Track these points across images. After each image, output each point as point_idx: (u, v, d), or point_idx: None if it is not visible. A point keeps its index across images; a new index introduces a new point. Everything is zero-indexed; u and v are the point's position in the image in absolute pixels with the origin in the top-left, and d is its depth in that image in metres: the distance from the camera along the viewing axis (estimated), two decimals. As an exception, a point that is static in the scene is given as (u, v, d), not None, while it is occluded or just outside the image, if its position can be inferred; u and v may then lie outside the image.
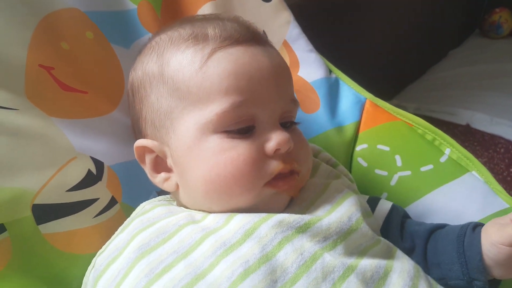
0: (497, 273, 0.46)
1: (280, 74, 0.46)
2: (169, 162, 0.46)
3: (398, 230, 0.52)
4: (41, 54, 0.50)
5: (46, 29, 0.51)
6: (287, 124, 0.47)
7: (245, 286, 0.35)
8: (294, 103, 0.49)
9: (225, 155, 0.42)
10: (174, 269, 0.37)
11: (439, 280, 0.47)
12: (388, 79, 1.75)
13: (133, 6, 0.62)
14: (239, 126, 0.43)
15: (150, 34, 0.61)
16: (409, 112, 0.65)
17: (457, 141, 0.62)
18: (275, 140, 0.43)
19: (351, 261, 0.40)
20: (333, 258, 0.39)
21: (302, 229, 0.41)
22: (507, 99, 1.65)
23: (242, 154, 0.42)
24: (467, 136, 1.44)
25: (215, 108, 0.42)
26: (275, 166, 0.43)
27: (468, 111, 1.57)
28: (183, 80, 0.43)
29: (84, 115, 0.52)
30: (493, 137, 1.45)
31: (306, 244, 0.40)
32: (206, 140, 0.42)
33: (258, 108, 0.43)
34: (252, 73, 0.43)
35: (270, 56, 0.46)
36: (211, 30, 0.44)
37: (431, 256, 0.50)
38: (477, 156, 1.36)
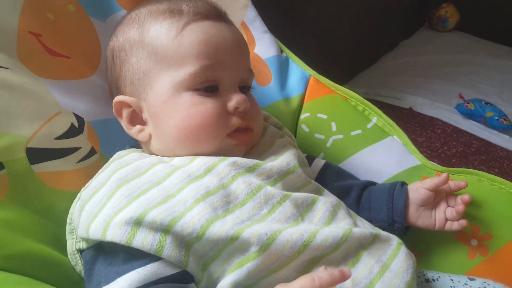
0: (412, 218, 0.60)
1: (240, 46, 0.57)
2: (145, 115, 0.56)
3: (334, 178, 0.65)
4: (30, 22, 0.57)
5: (34, 0, 0.58)
6: (244, 89, 0.58)
7: (207, 202, 0.46)
8: (250, 72, 0.59)
9: (196, 108, 0.52)
10: (149, 192, 0.46)
11: None
12: (341, 66, 1.88)
13: (109, -16, 0.69)
14: (206, 85, 0.53)
15: (123, 10, 0.69)
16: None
17: (400, 123, 0.74)
18: (235, 100, 0.54)
19: (287, 192, 0.51)
20: (274, 189, 0.50)
21: (251, 169, 0.52)
22: (447, 86, 1.83)
23: (209, 108, 0.52)
24: (409, 118, 1.60)
25: (188, 69, 0.52)
26: (235, 121, 0.54)
27: (412, 96, 1.72)
28: (161, 45, 0.53)
29: (67, 77, 0.60)
30: (432, 119, 1.62)
31: (253, 179, 0.51)
32: (180, 96, 0.53)
33: (222, 72, 0.54)
34: (218, 43, 0.54)
35: (232, 31, 0.57)
36: (185, 7, 0.55)
37: (364, 201, 0.63)
38: (416, 135, 1.53)
